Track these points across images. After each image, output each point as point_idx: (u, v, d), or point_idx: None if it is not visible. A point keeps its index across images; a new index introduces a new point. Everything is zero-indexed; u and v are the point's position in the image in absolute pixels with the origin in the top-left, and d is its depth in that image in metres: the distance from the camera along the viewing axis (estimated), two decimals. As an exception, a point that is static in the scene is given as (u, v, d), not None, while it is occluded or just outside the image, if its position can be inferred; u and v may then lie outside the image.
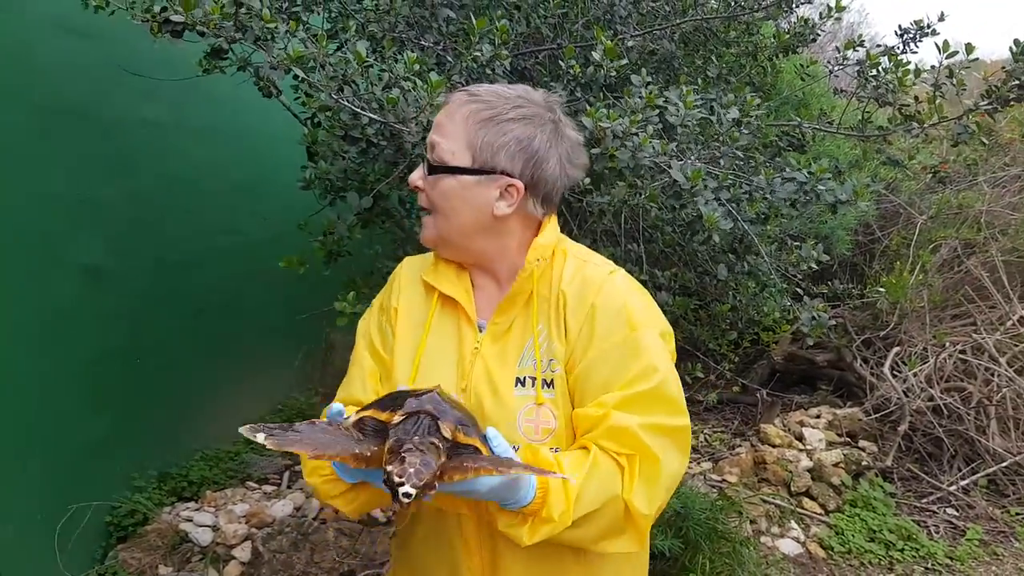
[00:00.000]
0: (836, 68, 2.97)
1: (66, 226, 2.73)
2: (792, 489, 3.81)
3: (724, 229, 1.95)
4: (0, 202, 2.47)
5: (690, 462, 4.12)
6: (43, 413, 2.64)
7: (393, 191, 2.38)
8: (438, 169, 1.26)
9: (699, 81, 2.64)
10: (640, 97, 1.74)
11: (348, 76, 1.50)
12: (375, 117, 1.77)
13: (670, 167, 1.89)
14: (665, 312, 2.59)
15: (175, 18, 1.42)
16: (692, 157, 2.07)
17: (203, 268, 3.43)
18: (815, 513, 3.71)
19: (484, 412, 1.26)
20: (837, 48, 2.90)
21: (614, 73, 1.85)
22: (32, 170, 2.58)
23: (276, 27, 1.50)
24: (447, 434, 1.04)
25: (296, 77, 1.64)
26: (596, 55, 1.84)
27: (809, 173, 2.29)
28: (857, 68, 2.79)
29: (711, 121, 2.19)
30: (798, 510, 3.69)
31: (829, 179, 2.31)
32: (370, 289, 2.37)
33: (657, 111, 1.95)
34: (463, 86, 1.95)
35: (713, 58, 2.88)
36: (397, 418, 1.06)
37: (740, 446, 4.30)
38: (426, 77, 1.47)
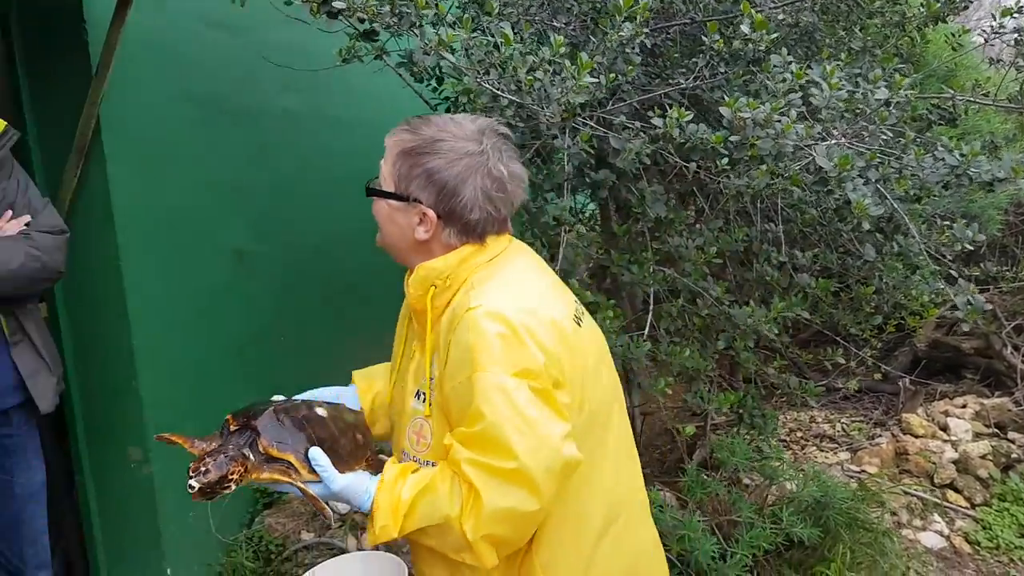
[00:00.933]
0: (992, 36, 2.79)
1: (218, 211, 2.89)
2: (935, 481, 3.63)
3: (874, 216, 1.86)
4: (162, 188, 2.64)
5: (827, 452, 3.99)
6: (198, 387, 2.81)
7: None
8: (369, 191, 1.41)
9: (842, 55, 2.52)
10: (790, 74, 1.67)
11: (494, 60, 1.52)
12: (514, 99, 1.78)
13: (814, 151, 1.82)
14: (806, 295, 2.52)
15: (337, 4, 1.49)
16: (838, 135, 1.98)
17: (335, 253, 3.54)
18: (960, 506, 3.52)
19: (400, 417, 1.45)
20: (993, 15, 2.71)
21: (763, 47, 1.78)
22: (188, 158, 2.75)
23: (427, 13, 1.55)
24: (261, 448, 1.28)
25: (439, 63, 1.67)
26: (745, 28, 1.78)
27: (961, 155, 2.16)
28: (1016, 36, 2.61)
29: (857, 97, 2.09)
30: (942, 503, 3.52)
31: (982, 162, 2.17)
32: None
33: (800, 93, 1.88)
34: (604, 66, 1.94)
35: (857, 29, 2.74)
36: (233, 427, 1.33)
37: (880, 436, 4.12)
38: (577, 58, 1.47)
